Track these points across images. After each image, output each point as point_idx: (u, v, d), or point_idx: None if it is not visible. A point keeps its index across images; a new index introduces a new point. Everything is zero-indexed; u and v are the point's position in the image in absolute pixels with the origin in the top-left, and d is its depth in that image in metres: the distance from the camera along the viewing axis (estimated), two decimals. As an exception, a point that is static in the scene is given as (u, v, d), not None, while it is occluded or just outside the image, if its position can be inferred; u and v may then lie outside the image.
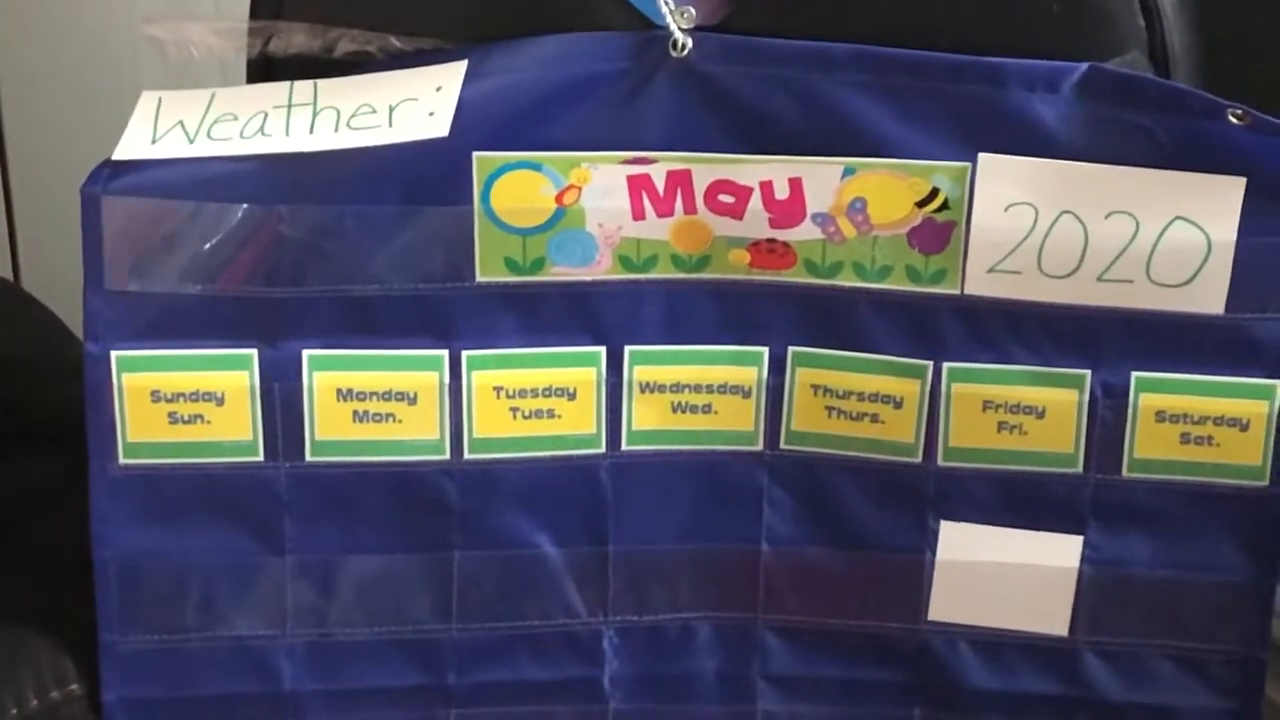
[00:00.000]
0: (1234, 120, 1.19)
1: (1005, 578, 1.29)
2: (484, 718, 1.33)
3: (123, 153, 1.20)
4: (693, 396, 1.28)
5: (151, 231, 1.21)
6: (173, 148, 1.20)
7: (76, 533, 1.24)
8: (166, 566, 1.26)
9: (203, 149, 1.20)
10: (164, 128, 1.21)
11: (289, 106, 1.21)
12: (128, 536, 1.25)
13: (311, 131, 1.20)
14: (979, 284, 1.23)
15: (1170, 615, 1.30)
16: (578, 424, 1.28)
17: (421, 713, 1.32)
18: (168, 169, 1.20)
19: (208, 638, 1.28)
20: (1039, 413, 1.26)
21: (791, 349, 1.27)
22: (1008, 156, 1.21)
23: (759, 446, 1.29)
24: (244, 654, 1.29)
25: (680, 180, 1.23)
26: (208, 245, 1.21)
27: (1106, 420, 1.26)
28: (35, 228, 1.89)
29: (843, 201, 1.23)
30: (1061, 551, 1.28)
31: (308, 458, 1.25)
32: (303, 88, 1.22)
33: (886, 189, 1.22)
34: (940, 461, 1.28)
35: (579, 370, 1.27)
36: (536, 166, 1.22)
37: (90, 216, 1.20)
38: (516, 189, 1.22)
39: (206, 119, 1.21)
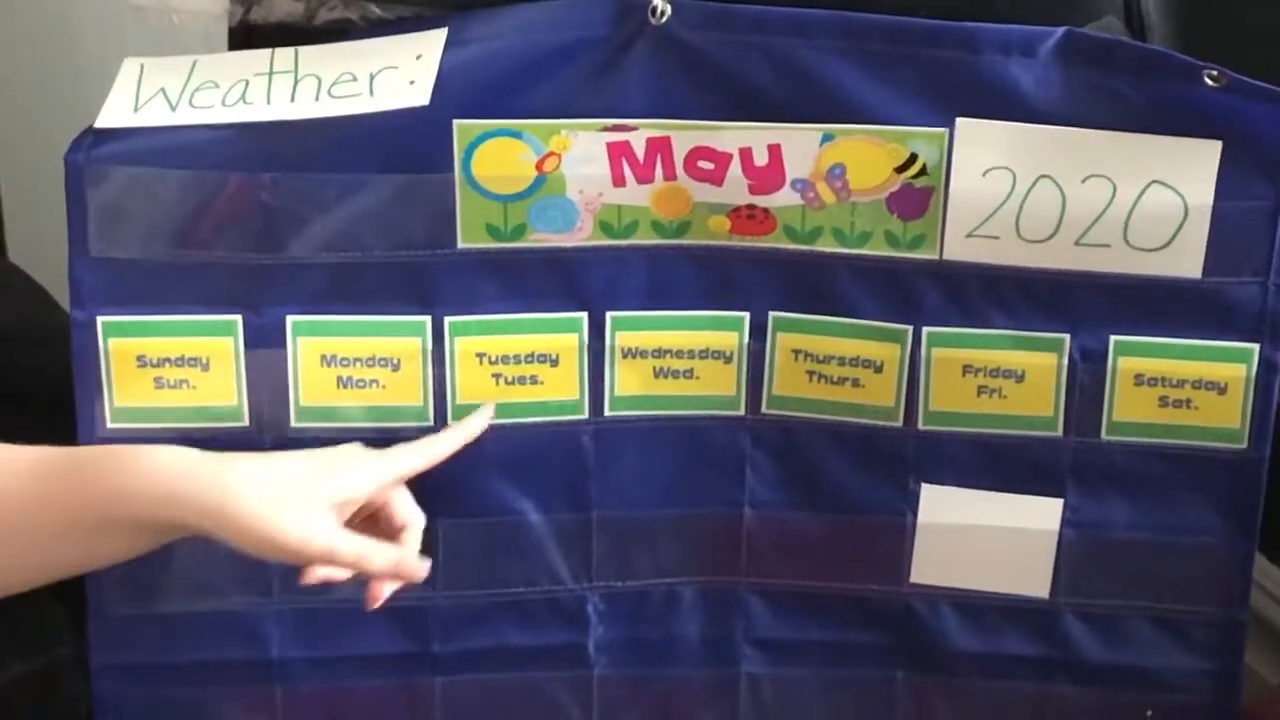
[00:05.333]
0: (1210, 82, 1.19)
1: (986, 540, 1.30)
2: (469, 684, 1.34)
3: (105, 120, 1.21)
4: (674, 362, 1.29)
5: (135, 198, 1.21)
6: (155, 116, 1.21)
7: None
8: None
9: (185, 117, 1.21)
10: (146, 95, 1.21)
11: (270, 74, 1.22)
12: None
13: (293, 99, 1.21)
14: (957, 249, 1.24)
15: (1150, 577, 1.31)
16: (560, 390, 1.28)
17: (407, 679, 1.33)
18: (150, 137, 1.21)
19: (196, 605, 1.29)
20: (1018, 376, 1.27)
21: (772, 314, 1.28)
22: (985, 121, 1.21)
23: (741, 411, 1.30)
24: (231, 621, 1.30)
25: (660, 147, 1.23)
26: (191, 212, 1.22)
27: (1085, 384, 1.26)
28: (19, 197, 1.89)
29: (822, 167, 1.23)
30: (1041, 514, 1.29)
31: (292, 423, 1.26)
32: (284, 56, 1.23)
33: (865, 155, 1.23)
34: (921, 425, 1.28)
35: (561, 336, 1.27)
36: (517, 134, 1.22)
37: (74, 184, 1.21)
38: (497, 156, 1.23)
39: (188, 87, 1.22)
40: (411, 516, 1.19)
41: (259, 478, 1.09)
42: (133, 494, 1.06)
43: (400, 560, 1.15)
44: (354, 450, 1.17)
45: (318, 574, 1.13)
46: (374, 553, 1.13)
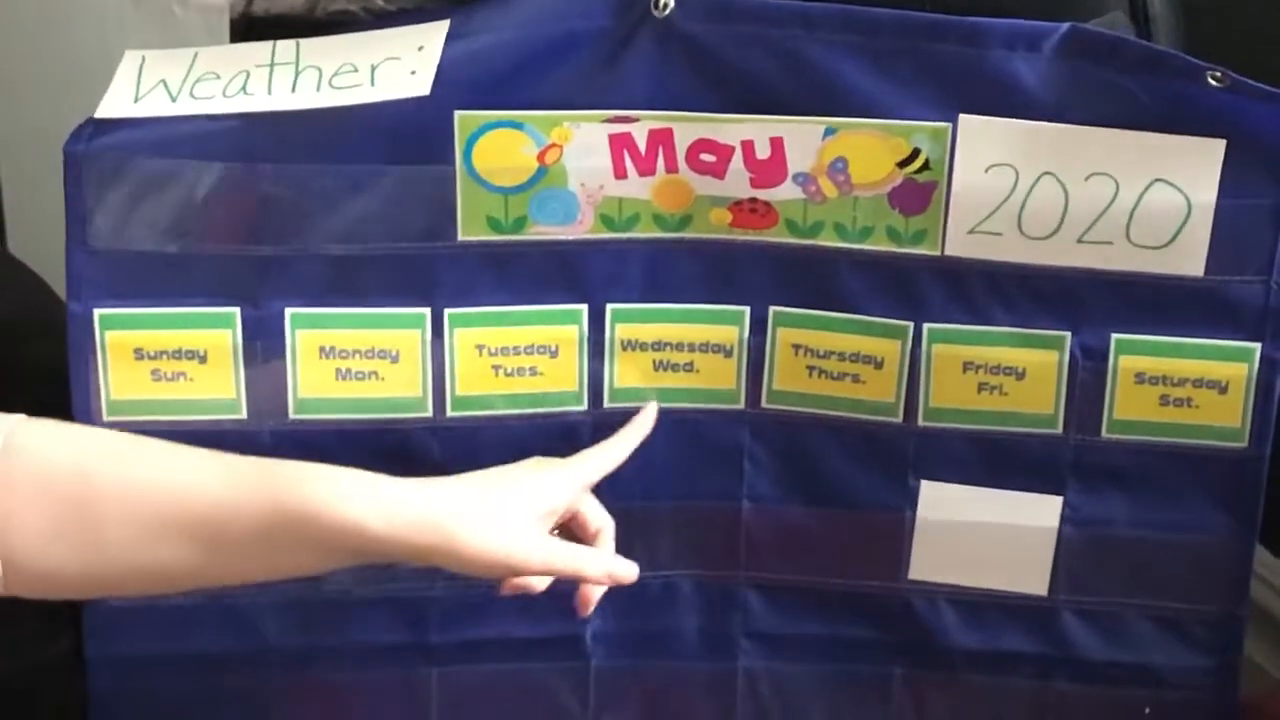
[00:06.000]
0: (1213, 82, 1.19)
1: (985, 537, 1.30)
2: (466, 675, 1.34)
3: (105, 111, 1.20)
4: (674, 355, 1.29)
5: (134, 190, 1.21)
6: (155, 106, 1.20)
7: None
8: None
9: (185, 108, 1.20)
10: (147, 86, 1.21)
11: (271, 65, 1.21)
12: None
13: (294, 90, 1.20)
14: (959, 245, 1.24)
15: (1149, 575, 1.31)
16: (560, 382, 1.28)
17: (405, 670, 1.33)
18: (150, 127, 1.20)
19: (192, 595, 1.28)
20: (1019, 374, 1.27)
21: (772, 308, 1.27)
22: (988, 118, 1.21)
23: (740, 405, 1.30)
24: (228, 611, 1.29)
25: (662, 139, 1.23)
26: (190, 203, 1.21)
27: (1086, 381, 1.26)
28: (20, 189, 1.89)
29: (824, 161, 1.23)
30: (1041, 511, 1.29)
31: (290, 415, 1.25)
32: (285, 47, 1.22)
33: (868, 149, 1.22)
34: (921, 421, 1.28)
35: (561, 328, 1.27)
36: (518, 125, 1.22)
37: (73, 175, 1.20)
38: (498, 148, 1.22)
39: (189, 78, 1.21)
40: (604, 520, 1.19)
41: (478, 510, 1.09)
42: (339, 536, 1.05)
43: (612, 564, 1.15)
44: (546, 460, 1.17)
45: (515, 582, 1.15)
46: (589, 560, 1.14)
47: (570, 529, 1.19)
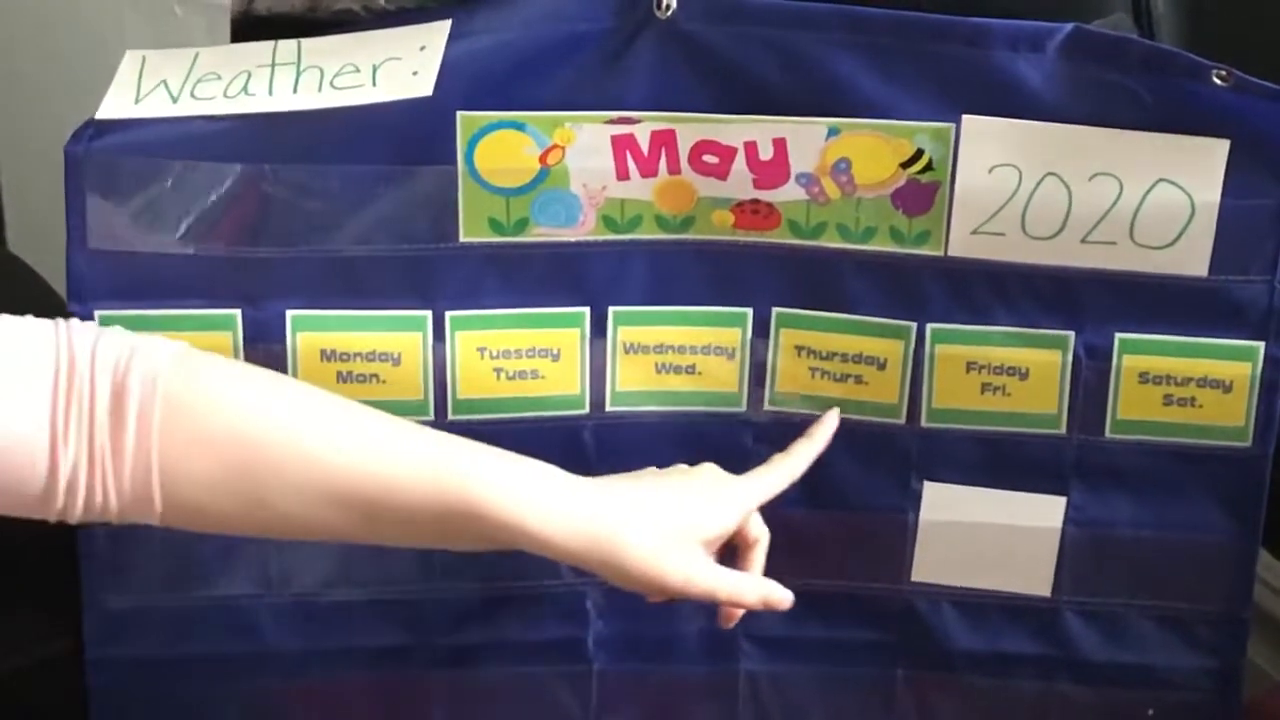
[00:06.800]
0: (1218, 81, 1.19)
1: (988, 538, 1.29)
2: (468, 679, 1.34)
3: (106, 112, 1.20)
4: (677, 357, 1.28)
5: (135, 191, 1.20)
6: (156, 107, 1.20)
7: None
8: (153, 527, 1.25)
9: (186, 108, 1.20)
10: (148, 87, 1.20)
11: (273, 66, 1.21)
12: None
13: (295, 91, 1.20)
14: (963, 245, 1.24)
15: (1153, 576, 1.31)
16: (562, 385, 1.28)
17: (405, 673, 1.33)
18: (151, 128, 1.20)
19: (193, 598, 1.29)
20: (1022, 374, 1.26)
21: (775, 310, 1.27)
22: (992, 118, 1.20)
23: (743, 407, 1.29)
24: (228, 614, 1.29)
25: (664, 140, 1.23)
26: (191, 205, 1.21)
27: (1090, 381, 1.26)
28: (20, 188, 1.89)
29: (827, 162, 1.22)
30: (1044, 512, 1.29)
31: (291, 418, 1.25)
32: (286, 47, 1.22)
33: (871, 150, 1.22)
34: (924, 422, 1.28)
35: (563, 331, 1.27)
36: (520, 126, 1.22)
37: (73, 176, 1.20)
38: (500, 149, 1.22)
39: (190, 78, 1.21)
40: (761, 532, 1.18)
41: (645, 527, 1.09)
42: (501, 534, 1.06)
43: (768, 592, 1.14)
44: (719, 478, 1.16)
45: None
46: (747, 589, 1.14)
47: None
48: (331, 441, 1.02)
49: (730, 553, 1.16)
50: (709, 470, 1.17)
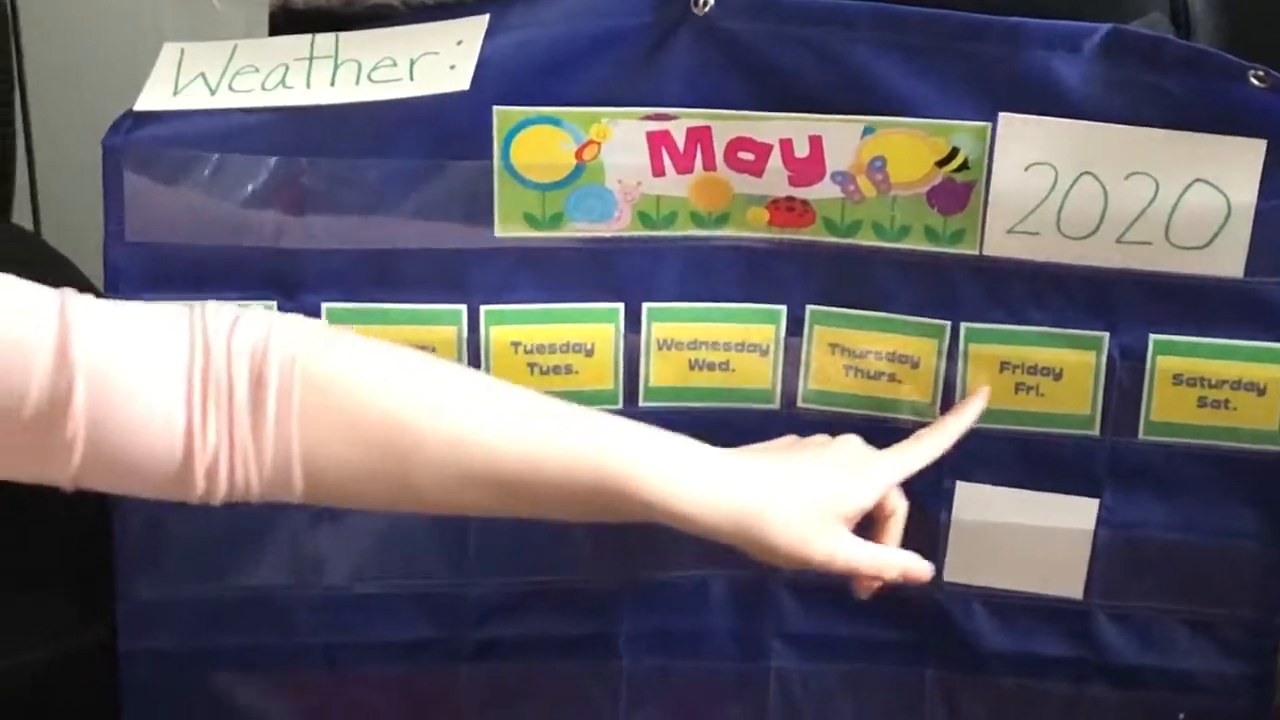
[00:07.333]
0: (1255, 82, 1.18)
1: (1020, 539, 1.29)
2: (498, 673, 1.34)
3: (144, 104, 1.20)
4: (710, 354, 1.28)
5: (172, 183, 1.21)
6: (194, 99, 1.20)
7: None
8: (186, 518, 1.25)
9: (224, 101, 1.20)
10: (186, 79, 1.21)
11: (310, 59, 1.21)
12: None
13: (332, 84, 1.20)
14: (998, 245, 1.23)
15: (1185, 579, 1.30)
16: (595, 380, 1.28)
17: (433, 667, 1.33)
18: (189, 120, 1.20)
19: (224, 587, 1.29)
20: (1056, 374, 1.26)
21: (809, 307, 1.27)
22: (1028, 116, 1.20)
23: (776, 405, 1.29)
24: (261, 605, 1.30)
25: (700, 137, 1.23)
26: (228, 197, 1.21)
27: (1124, 383, 1.26)
28: (56, 179, 1.89)
29: (862, 160, 1.22)
30: (1077, 514, 1.28)
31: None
32: (324, 40, 1.22)
33: (906, 148, 1.22)
34: (959, 422, 1.28)
35: (597, 326, 1.27)
36: (556, 121, 1.22)
37: (111, 168, 1.20)
38: (536, 144, 1.22)
39: (228, 71, 1.21)
40: (899, 503, 1.18)
41: (790, 506, 1.09)
42: (646, 512, 1.06)
43: (909, 565, 1.15)
44: (860, 453, 1.17)
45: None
46: (889, 562, 1.14)
47: None
48: (473, 421, 1.03)
49: (866, 521, 1.16)
50: (850, 443, 1.18)
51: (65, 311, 0.94)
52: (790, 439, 1.20)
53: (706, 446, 1.10)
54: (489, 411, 1.04)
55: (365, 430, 0.99)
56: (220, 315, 0.98)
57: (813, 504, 1.10)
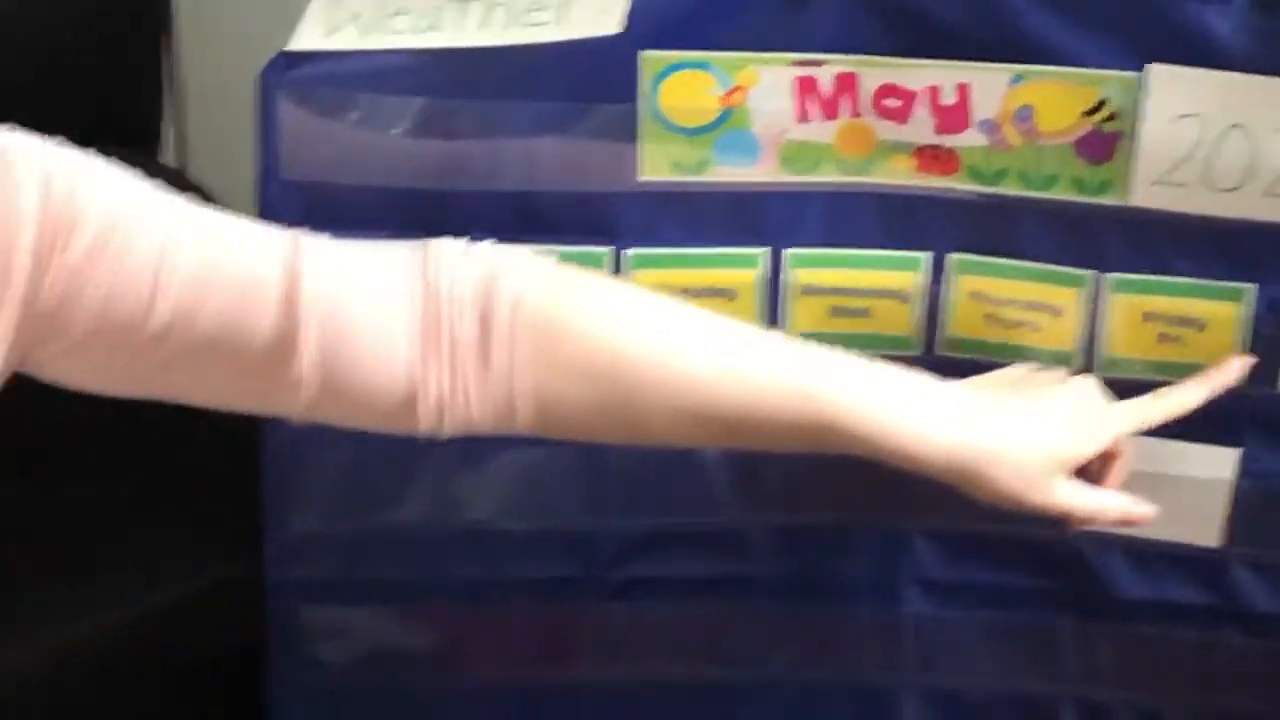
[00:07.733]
0: None
1: (1159, 487, 1.28)
2: (632, 612, 1.36)
3: (298, 44, 1.22)
4: (851, 300, 1.29)
5: (324, 122, 1.23)
6: (347, 40, 1.22)
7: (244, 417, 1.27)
8: (333, 451, 1.28)
9: (376, 42, 1.22)
10: (339, 20, 1.22)
11: (463, 1, 1.22)
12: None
13: (483, 27, 1.21)
14: (1145, 195, 1.22)
15: (1324, 530, 1.30)
16: (737, 324, 1.28)
17: (570, 604, 1.35)
18: (342, 61, 1.22)
19: (372, 523, 1.31)
20: (1200, 325, 1.25)
21: (953, 255, 1.27)
22: (1178, 67, 1.19)
23: (915, 351, 1.29)
24: (407, 540, 1.32)
25: (847, 83, 1.23)
26: (378, 137, 1.23)
27: (1268, 335, 1.25)
28: (206, 118, 1.91)
29: (1009, 108, 1.22)
30: (1217, 463, 1.28)
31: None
32: (476, -16, 1.23)
33: (1054, 97, 1.21)
34: (1097, 371, 1.27)
35: (739, 271, 1.28)
36: (704, 66, 1.22)
37: (266, 106, 1.22)
38: (684, 88, 1.22)
39: (382, 13, 1.22)
40: (1126, 446, 1.16)
41: (1010, 455, 1.08)
42: (863, 448, 1.06)
43: (1127, 510, 1.14)
44: (1090, 400, 1.15)
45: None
46: (1107, 508, 1.13)
47: None
48: (698, 359, 1.03)
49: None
50: (1082, 386, 1.16)
51: (296, 251, 0.96)
52: (1021, 370, 1.19)
53: (933, 381, 1.09)
54: (710, 347, 1.04)
55: (593, 369, 1.00)
56: (447, 253, 0.99)
57: (1039, 452, 1.09)
